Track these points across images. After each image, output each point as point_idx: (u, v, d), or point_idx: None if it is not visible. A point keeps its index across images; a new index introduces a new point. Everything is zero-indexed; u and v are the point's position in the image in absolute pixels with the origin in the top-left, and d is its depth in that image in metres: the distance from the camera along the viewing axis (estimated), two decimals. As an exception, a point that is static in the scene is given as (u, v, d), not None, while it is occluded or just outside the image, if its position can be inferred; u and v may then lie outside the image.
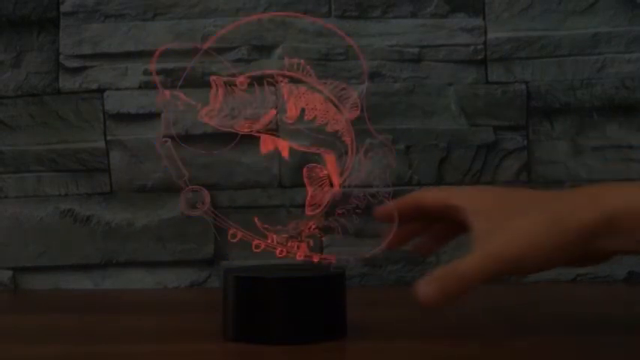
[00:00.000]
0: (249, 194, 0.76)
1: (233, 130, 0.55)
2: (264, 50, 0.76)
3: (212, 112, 0.53)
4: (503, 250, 0.47)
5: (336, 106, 0.54)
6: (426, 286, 0.47)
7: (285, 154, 0.55)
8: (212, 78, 0.54)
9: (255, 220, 0.55)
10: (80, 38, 0.76)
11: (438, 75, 0.76)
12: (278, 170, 0.76)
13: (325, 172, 0.54)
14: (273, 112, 0.54)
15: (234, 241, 0.54)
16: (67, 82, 0.77)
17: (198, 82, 0.76)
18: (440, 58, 0.76)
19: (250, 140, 0.76)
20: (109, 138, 0.77)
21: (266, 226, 0.55)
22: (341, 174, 0.54)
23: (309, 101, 0.53)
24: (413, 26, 0.76)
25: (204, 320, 0.52)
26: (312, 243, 0.54)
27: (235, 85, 0.54)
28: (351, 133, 0.53)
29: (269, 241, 0.54)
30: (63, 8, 0.76)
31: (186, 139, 0.76)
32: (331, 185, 0.54)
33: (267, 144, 0.55)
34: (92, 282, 0.77)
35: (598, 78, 0.75)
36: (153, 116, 0.76)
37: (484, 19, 0.76)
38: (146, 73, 0.76)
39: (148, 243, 0.76)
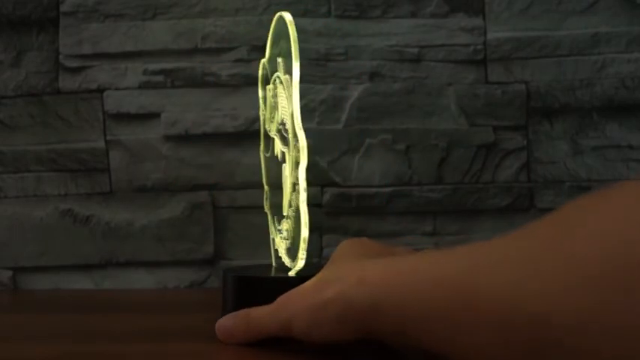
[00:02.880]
0: (249, 194, 0.76)
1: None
2: (264, 50, 0.76)
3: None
4: (280, 307, 0.44)
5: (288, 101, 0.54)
6: (223, 322, 0.47)
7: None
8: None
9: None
10: (80, 38, 0.76)
11: (437, 75, 0.76)
12: (278, 170, 0.76)
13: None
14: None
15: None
16: (66, 82, 0.77)
17: (198, 82, 0.77)
18: (440, 58, 0.76)
19: (250, 140, 0.77)
20: (108, 138, 0.77)
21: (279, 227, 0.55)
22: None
23: (281, 100, 0.54)
24: (413, 26, 0.76)
25: (204, 320, 0.52)
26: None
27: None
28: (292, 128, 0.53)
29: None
30: (62, 8, 0.76)
31: (186, 139, 0.76)
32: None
33: (277, 145, 0.56)
34: (92, 282, 0.77)
35: (598, 78, 0.75)
36: (153, 116, 0.76)
37: (484, 19, 0.76)
38: (146, 73, 0.76)
39: (148, 243, 0.76)
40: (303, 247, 0.50)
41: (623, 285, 0.28)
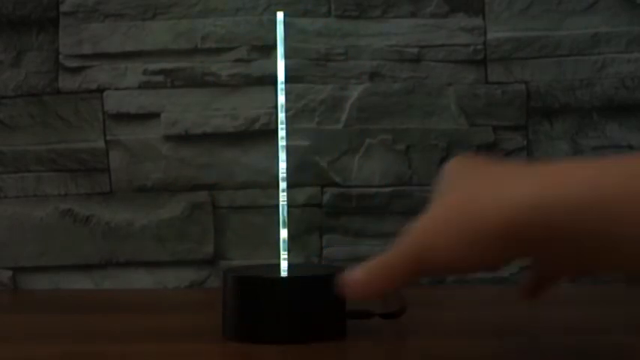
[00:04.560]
0: (249, 194, 0.76)
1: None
2: (264, 50, 0.76)
3: None
4: (409, 242, 0.39)
5: None
6: (354, 274, 0.40)
7: None
8: None
9: None
10: (80, 38, 0.76)
11: (437, 75, 0.76)
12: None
13: None
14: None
15: None
16: (66, 82, 0.77)
17: (198, 82, 0.77)
18: (439, 58, 0.76)
19: (250, 140, 0.77)
20: (108, 138, 0.77)
21: None
22: None
23: None
24: (412, 26, 0.76)
25: (204, 320, 0.52)
26: None
27: None
28: None
29: None
30: (62, 8, 0.76)
31: (187, 139, 0.76)
32: None
33: None
34: (92, 282, 0.77)
35: (598, 78, 0.75)
36: (152, 116, 0.76)
37: (484, 19, 0.76)
38: (146, 73, 0.76)
39: (148, 243, 0.76)
40: (283, 247, 0.51)
41: None
